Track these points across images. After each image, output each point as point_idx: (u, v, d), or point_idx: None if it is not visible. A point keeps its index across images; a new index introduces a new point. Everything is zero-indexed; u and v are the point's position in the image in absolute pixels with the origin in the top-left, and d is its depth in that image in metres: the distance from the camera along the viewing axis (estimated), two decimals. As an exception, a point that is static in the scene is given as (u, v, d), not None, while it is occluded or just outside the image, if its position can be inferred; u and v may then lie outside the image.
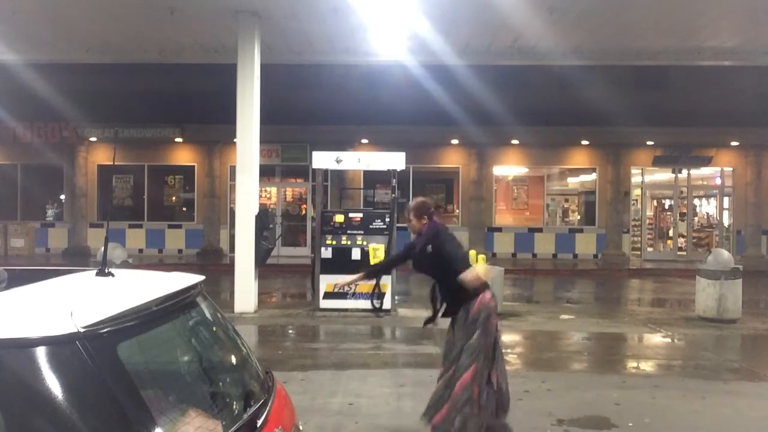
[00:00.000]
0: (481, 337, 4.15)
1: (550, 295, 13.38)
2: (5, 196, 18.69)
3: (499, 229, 18.58)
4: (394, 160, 9.94)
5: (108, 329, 1.87)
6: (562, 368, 6.99)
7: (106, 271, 2.45)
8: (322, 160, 10.05)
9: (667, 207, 19.96)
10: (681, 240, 19.13)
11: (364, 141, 17.65)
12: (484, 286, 4.28)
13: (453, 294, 4.34)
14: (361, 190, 17.84)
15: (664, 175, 19.47)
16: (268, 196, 18.69)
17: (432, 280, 4.55)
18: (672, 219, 19.38)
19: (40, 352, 1.74)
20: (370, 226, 9.81)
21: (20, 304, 2.03)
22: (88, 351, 1.77)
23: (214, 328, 2.60)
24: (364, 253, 9.65)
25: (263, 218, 9.92)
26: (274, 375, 2.70)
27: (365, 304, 9.65)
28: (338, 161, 9.96)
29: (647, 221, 19.31)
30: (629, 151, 18.50)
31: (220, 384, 2.48)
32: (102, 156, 18.60)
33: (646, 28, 10.79)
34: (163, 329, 2.21)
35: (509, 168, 19.15)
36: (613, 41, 11.60)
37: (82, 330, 1.79)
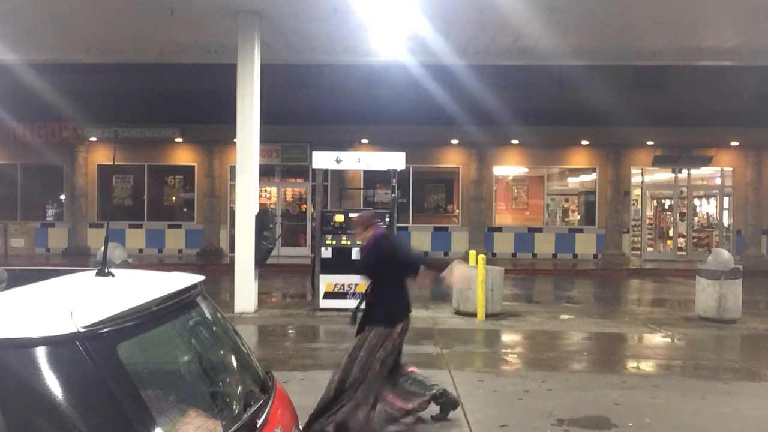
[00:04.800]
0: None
1: (550, 295, 13.37)
2: (5, 196, 18.67)
3: (499, 229, 18.58)
4: (394, 160, 9.94)
5: (108, 329, 1.87)
6: (562, 368, 6.98)
7: (106, 271, 2.45)
8: (322, 160, 10.04)
9: (667, 207, 19.96)
10: (681, 240, 19.13)
11: (364, 141, 17.65)
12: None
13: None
14: (361, 190, 17.84)
15: (664, 175, 19.47)
16: (268, 196, 18.68)
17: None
18: (672, 219, 19.38)
19: (40, 352, 1.74)
20: (370, 226, 9.79)
21: (20, 304, 2.03)
22: (88, 351, 1.77)
23: (214, 328, 2.60)
24: (364, 253, 9.63)
25: (263, 218, 9.92)
26: (274, 375, 2.70)
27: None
28: (338, 161, 9.96)
29: (647, 221, 19.31)
30: (629, 151, 18.50)
31: (220, 384, 2.48)
32: (102, 156, 18.60)
33: (646, 28, 10.80)
34: (163, 329, 2.21)
35: (509, 168, 19.15)
36: (613, 41, 11.60)
37: (82, 330, 1.79)
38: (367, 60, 12.78)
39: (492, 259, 16.06)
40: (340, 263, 9.68)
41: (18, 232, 18.16)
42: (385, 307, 4.53)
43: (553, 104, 17.15)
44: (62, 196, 19.12)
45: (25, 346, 1.75)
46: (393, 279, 4.59)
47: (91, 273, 2.52)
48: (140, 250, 18.10)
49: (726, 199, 19.06)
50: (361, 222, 4.84)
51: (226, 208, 18.14)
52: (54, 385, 1.73)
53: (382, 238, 4.71)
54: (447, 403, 4.91)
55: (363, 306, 4.67)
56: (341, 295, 9.69)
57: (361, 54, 12.05)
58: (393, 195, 10.02)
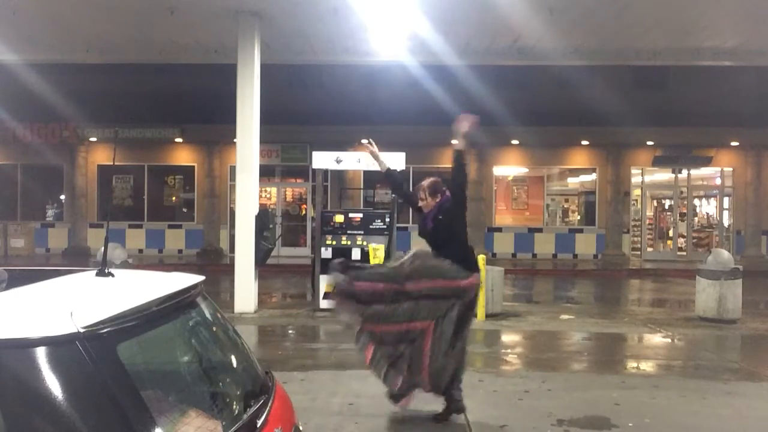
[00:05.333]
0: (452, 310, 4.50)
1: (550, 295, 13.37)
2: (5, 196, 18.69)
3: (499, 229, 18.59)
4: (394, 160, 9.91)
5: (108, 329, 1.87)
6: (562, 368, 6.98)
7: (106, 271, 2.44)
8: (322, 160, 10.04)
9: (667, 207, 19.97)
10: (681, 240, 19.13)
11: (364, 141, 17.63)
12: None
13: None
14: (361, 190, 17.84)
15: (664, 175, 19.48)
16: (268, 196, 18.69)
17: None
18: (672, 219, 19.38)
19: (40, 352, 1.74)
20: (370, 226, 9.81)
21: (20, 304, 2.03)
22: (88, 351, 1.77)
23: (214, 329, 2.60)
24: (364, 253, 9.64)
25: (263, 218, 9.92)
26: (274, 375, 2.70)
27: (365, 304, 9.63)
28: (338, 161, 9.96)
29: (647, 221, 19.31)
30: (629, 151, 18.51)
31: (220, 384, 2.48)
32: (102, 156, 18.60)
33: (646, 28, 10.79)
34: (163, 329, 2.21)
35: (509, 168, 19.16)
36: (613, 41, 11.61)
37: (82, 330, 1.79)
38: (367, 60, 12.78)
39: (492, 259, 16.07)
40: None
41: (18, 232, 18.17)
42: (460, 258, 4.64)
43: (553, 104, 17.16)
44: (62, 196, 19.13)
45: (25, 346, 1.75)
46: (460, 237, 4.82)
47: (91, 273, 2.51)
48: (140, 251, 18.10)
49: (726, 200, 19.07)
50: (430, 188, 4.90)
51: (226, 208, 18.14)
52: (54, 385, 1.72)
53: (444, 201, 4.85)
54: (456, 405, 4.85)
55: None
56: (341, 295, 9.68)
57: (361, 54, 12.04)
58: (393, 195, 10.02)
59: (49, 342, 1.76)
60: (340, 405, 5.35)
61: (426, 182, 4.99)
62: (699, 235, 19.32)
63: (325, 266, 9.70)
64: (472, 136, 4.85)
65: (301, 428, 2.78)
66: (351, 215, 9.96)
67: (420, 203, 4.95)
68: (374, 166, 10.31)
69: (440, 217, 4.81)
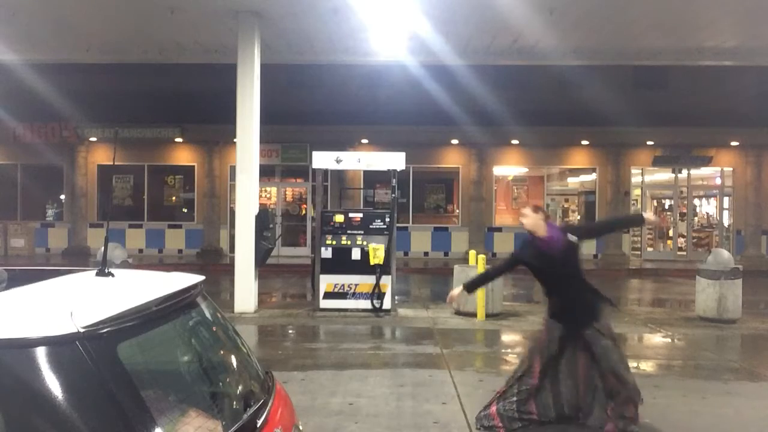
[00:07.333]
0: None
1: (550, 295, 13.34)
2: (5, 196, 18.68)
3: (499, 229, 18.59)
4: (394, 160, 9.94)
5: (108, 329, 1.87)
6: (562, 368, 6.96)
7: (106, 271, 2.45)
8: (322, 160, 10.04)
9: (667, 207, 19.97)
10: (681, 240, 19.13)
11: (364, 141, 17.66)
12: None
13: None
14: (361, 190, 17.85)
15: (664, 175, 19.48)
16: (268, 196, 18.69)
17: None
18: (672, 219, 19.38)
19: (40, 352, 1.74)
20: (370, 226, 9.82)
21: (20, 304, 2.03)
22: (88, 351, 1.77)
23: (214, 328, 2.60)
24: (364, 253, 9.65)
25: (263, 218, 9.92)
26: (274, 375, 2.71)
27: (365, 304, 9.66)
28: (338, 161, 9.96)
29: (647, 221, 19.27)
30: (629, 151, 18.51)
31: (220, 384, 2.48)
32: (102, 156, 18.60)
33: (646, 28, 10.80)
34: (163, 329, 2.21)
35: (509, 168, 19.15)
36: (613, 41, 11.61)
37: (82, 330, 1.79)
38: (367, 60, 12.78)
39: (492, 259, 16.03)
40: (340, 263, 9.69)
41: (18, 232, 18.17)
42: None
43: (553, 104, 17.16)
44: (62, 196, 19.13)
45: (25, 346, 1.75)
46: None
47: (91, 273, 2.52)
48: (140, 250, 18.11)
49: (726, 199, 19.06)
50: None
51: (226, 208, 18.14)
52: (54, 385, 1.73)
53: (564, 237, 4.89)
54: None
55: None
56: (341, 295, 9.70)
57: (361, 54, 12.05)
58: (393, 195, 10.02)
59: (49, 342, 1.76)
60: (340, 405, 5.35)
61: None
62: (699, 235, 19.32)
63: (326, 266, 9.74)
64: None
65: (301, 428, 2.78)
66: (351, 215, 9.96)
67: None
68: (374, 166, 10.40)
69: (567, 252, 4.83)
